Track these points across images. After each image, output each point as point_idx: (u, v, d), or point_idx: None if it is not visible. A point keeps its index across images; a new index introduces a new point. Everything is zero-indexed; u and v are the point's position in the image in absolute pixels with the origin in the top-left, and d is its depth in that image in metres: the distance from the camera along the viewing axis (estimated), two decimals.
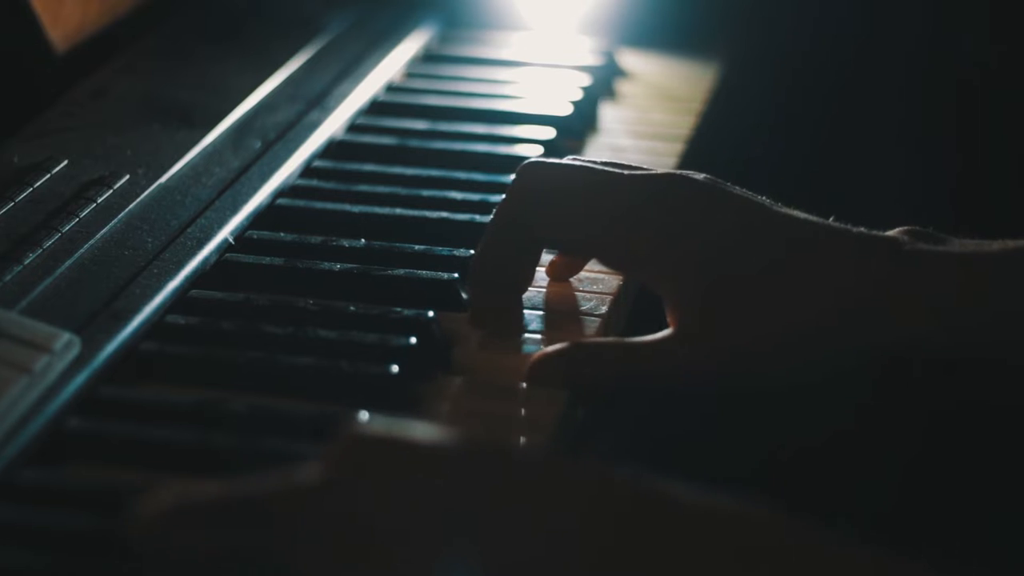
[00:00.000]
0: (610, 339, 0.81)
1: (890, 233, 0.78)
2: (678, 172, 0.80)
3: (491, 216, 0.82)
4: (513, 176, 0.82)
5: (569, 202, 0.80)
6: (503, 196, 0.82)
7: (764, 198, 0.80)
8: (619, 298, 0.85)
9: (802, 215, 0.79)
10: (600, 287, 0.86)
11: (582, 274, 0.86)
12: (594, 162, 0.83)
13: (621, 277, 0.86)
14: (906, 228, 0.78)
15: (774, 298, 0.76)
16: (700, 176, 0.80)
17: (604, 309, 0.83)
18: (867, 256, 0.76)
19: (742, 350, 0.76)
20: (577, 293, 0.85)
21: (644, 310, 0.84)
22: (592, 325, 0.82)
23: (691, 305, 0.77)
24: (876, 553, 0.54)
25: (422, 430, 0.56)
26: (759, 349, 0.76)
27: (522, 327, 0.81)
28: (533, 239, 0.81)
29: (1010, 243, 0.77)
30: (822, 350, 0.76)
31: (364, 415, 0.70)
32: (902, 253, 0.76)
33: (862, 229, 0.78)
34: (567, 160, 0.84)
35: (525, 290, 0.83)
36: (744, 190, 0.80)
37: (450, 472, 0.55)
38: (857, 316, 0.75)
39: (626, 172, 0.80)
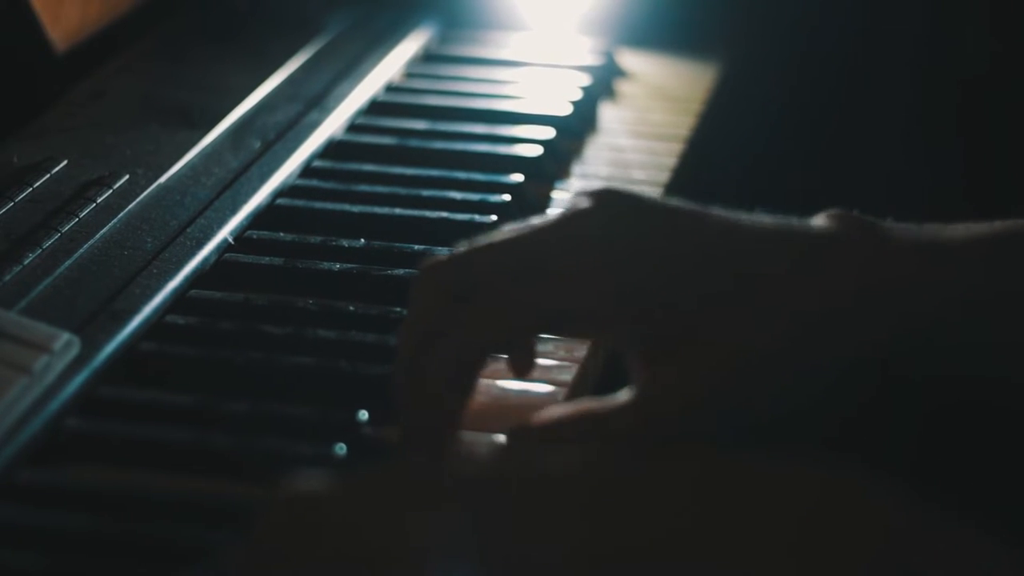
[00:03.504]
0: (574, 408, 0.70)
1: (820, 223, 0.69)
2: (576, 210, 0.69)
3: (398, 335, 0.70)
4: (414, 283, 0.69)
5: (484, 289, 0.68)
6: (408, 306, 0.70)
7: (680, 205, 0.70)
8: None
9: (723, 217, 0.69)
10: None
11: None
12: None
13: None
14: (833, 212, 0.69)
15: (725, 328, 0.67)
16: (602, 201, 0.69)
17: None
18: (814, 267, 0.68)
19: (706, 391, 0.68)
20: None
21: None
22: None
23: (638, 356, 0.69)
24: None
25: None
26: (721, 387, 0.68)
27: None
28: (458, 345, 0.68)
29: (973, 227, 0.69)
30: (790, 372, 0.68)
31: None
32: (851, 249, 0.68)
33: (792, 223, 0.69)
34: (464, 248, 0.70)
35: (464, 403, 0.69)
36: (651, 200, 0.70)
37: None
38: (822, 328, 0.68)
39: (527, 229, 0.69)
